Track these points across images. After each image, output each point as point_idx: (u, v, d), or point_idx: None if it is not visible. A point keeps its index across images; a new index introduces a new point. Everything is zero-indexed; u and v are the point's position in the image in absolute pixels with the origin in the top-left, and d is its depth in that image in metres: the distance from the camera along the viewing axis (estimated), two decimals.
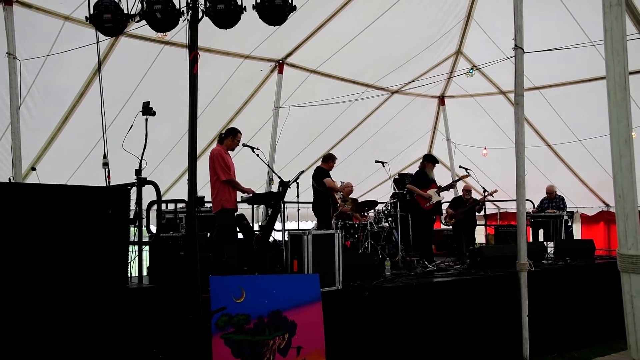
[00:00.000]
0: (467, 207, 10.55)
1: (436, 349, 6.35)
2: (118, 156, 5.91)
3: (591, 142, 11.52)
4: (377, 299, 6.03)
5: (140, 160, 5.42)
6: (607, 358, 7.15)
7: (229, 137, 6.72)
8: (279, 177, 6.98)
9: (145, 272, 5.94)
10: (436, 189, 9.28)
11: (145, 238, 5.91)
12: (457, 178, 10.69)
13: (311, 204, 9.00)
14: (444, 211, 11.03)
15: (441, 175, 12.21)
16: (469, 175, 9.96)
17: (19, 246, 3.79)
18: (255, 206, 9.15)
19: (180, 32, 5.49)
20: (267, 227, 7.16)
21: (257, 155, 6.86)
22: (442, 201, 9.61)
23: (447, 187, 9.78)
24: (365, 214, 9.69)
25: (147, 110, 5.44)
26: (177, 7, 4.65)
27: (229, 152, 6.82)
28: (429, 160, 9.55)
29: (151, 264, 5.86)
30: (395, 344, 6.02)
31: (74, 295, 3.92)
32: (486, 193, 10.38)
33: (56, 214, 4.00)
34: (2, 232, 3.75)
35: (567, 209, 11.18)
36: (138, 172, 5.41)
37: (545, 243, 9.98)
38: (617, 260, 3.58)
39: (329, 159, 9.06)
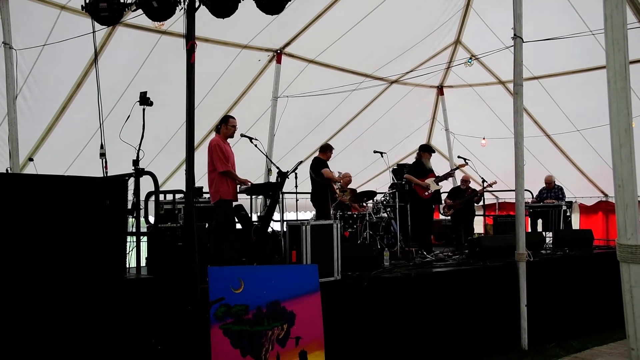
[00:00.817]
0: (465, 198, 10.54)
1: (435, 339, 6.36)
2: (115, 147, 5.88)
3: (590, 132, 11.50)
4: (376, 290, 6.03)
5: (138, 151, 5.40)
6: (605, 347, 7.17)
7: (223, 125, 6.71)
8: (278, 168, 6.97)
9: (143, 263, 5.93)
10: (434, 179, 9.27)
11: (144, 229, 5.89)
12: (454, 167, 10.67)
13: (309, 195, 8.99)
14: (442, 201, 11.04)
15: (440, 166, 12.23)
16: (466, 164, 9.95)
17: (15, 236, 3.77)
18: (253, 197, 9.12)
19: (178, 22, 5.46)
20: (266, 218, 7.16)
21: (256, 145, 6.85)
22: (440, 190, 9.60)
23: (445, 177, 9.77)
24: (364, 204, 9.68)
25: (145, 100, 5.40)
26: None
27: (229, 140, 6.80)
28: (425, 150, 9.55)
29: (149, 254, 5.85)
30: (394, 334, 6.03)
31: (70, 286, 3.91)
32: (485, 184, 10.37)
33: (53, 205, 3.97)
34: None
35: (566, 199, 11.19)
36: (136, 162, 5.39)
37: (544, 233, 9.98)
38: (616, 250, 3.58)
39: (326, 149, 9.04)
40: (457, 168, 10.33)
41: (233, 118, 6.78)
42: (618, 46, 3.33)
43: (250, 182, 6.84)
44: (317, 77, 10.85)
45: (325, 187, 8.66)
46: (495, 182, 10.55)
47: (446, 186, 11.47)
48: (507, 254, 7.31)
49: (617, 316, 6.30)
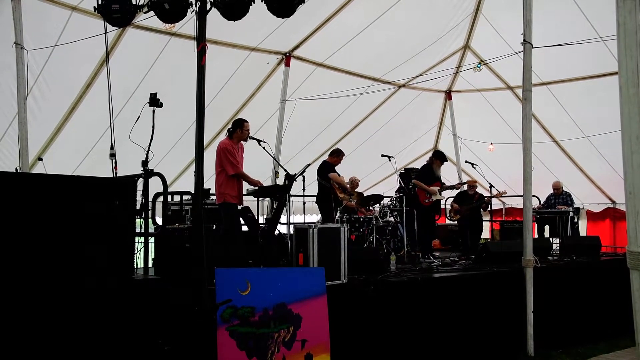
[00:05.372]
0: (473, 205, 10.49)
1: (440, 344, 6.34)
2: (125, 147, 5.90)
3: (598, 139, 11.47)
4: (382, 294, 6.02)
5: (147, 152, 5.41)
6: (612, 355, 7.13)
7: (237, 130, 6.73)
8: (285, 170, 6.97)
9: (151, 263, 5.94)
10: (439, 187, 9.24)
11: (151, 230, 5.90)
12: (463, 182, 10.65)
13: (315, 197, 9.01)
14: (448, 206, 11.03)
15: (446, 171, 12.19)
16: (476, 181, 10.09)
17: (23, 235, 3.79)
18: (260, 199, 9.14)
19: (188, 24, 5.46)
20: (273, 220, 7.16)
21: (264, 148, 6.85)
22: (441, 200, 9.61)
23: (450, 187, 9.76)
24: (371, 208, 9.67)
25: (154, 101, 5.42)
26: None
27: (242, 142, 6.81)
28: (438, 157, 9.45)
29: (157, 255, 5.86)
30: (400, 338, 6.01)
31: (79, 286, 3.92)
32: (495, 193, 10.35)
33: (63, 205, 3.98)
34: (7, 221, 3.74)
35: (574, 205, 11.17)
36: (145, 163, 5.40)
37: (550, 239, 9.94)
38: (626, 257, 3.55)
39: (336, 154, 9.04)
40: (465, 183, 10.37)
41: (247, 122, 6.81)
42: (630, 53, 3.32)
43: (261, 183, 6.85)
44: (326, 80, 10.86)
45: (330, 191, 8.68)
46: (505, 193, 10.53)
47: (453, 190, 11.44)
48: (514, 260, 7.29)
49: (624, 324, 6.28)
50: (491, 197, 10.45)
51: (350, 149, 12.28)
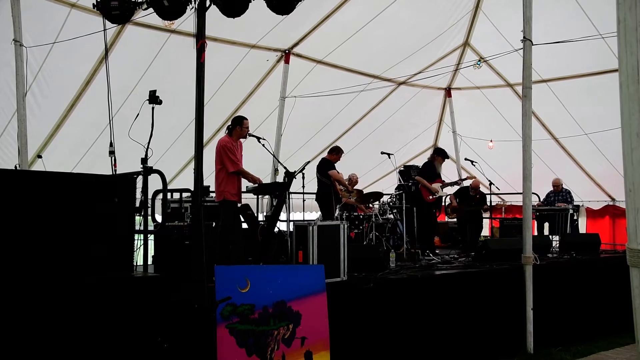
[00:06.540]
0: (471, 208, 10.48)
1: (440, 341, 6.34)
2: (124, 144, 5.90)
3: (598, 136, 11.47)
4: (382, 291, 6.02)
5: (147, 149, 5.40)
6: (612, 352, 7.14)
7: (237, 127, 6.71)
8: (285, 168, 6.97)
9: (150, 261, 5.94)
10: (441, 184, 9.25)
11: (151, 227, 5.90)
12: (463, 178, 10.65)
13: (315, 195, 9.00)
14: (448, 200, 11.03)
15: (446, 168, 12.18)
16: (475, 178, 10.07)
17: (23, 233, 3.78)
18: (260, 196, 9.13)
19: (187, 21, 5.47)
20: (272, 218, 7.16)
21: (263, 145, 6.84)
22: (443, 196, 9.61)
23: (451, 184, 9.77)
24: (370, 205, 9.67)
25: (154, 98, 5.40)
26: None
27: (241, 139, 6.80)
28: (440, 154, 9.48)
29: (156, 253, 5.86)
30: (400, 335, 6.01)
31: (79, 283, 3.92)
32: (495, 202, 10.37)
33: (62, 202, 3.98)
34: (7, 218, 3.74)
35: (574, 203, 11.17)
36: (144, 160, 5.39)
37: (550, 236, 9.94)
38: (626, 255, 3.54)
39: (336, 151, 9.04)
40: (465, 179, 10.36)
41: (246, 119, 6.80)
42: (631, 50, 3.30)
43: (261, 180, 6.84)
44: (325, 77, 10.85)
45: (330, 188, 8.67)
46: (505, 205, 10.58)
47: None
48: (513, 257, 7.28)
49: (623, 321, 6.29)
50: (490, 206, 10.47)
51: (350, 147, 12.29)
